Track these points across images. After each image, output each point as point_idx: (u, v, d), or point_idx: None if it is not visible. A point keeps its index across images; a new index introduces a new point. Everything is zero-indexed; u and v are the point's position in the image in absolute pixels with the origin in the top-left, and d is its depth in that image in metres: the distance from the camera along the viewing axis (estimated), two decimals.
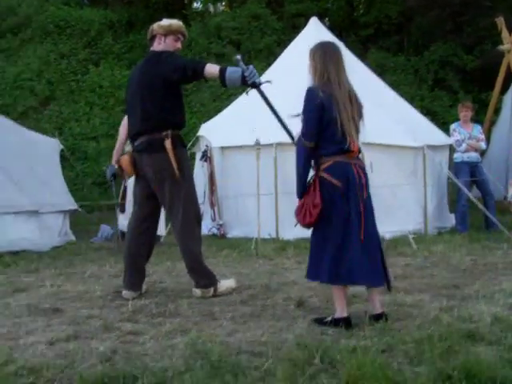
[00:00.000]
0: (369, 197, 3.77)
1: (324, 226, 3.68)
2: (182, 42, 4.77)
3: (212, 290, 4.64)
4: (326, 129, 3.66)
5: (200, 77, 4.41)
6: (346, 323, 3.63)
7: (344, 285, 3.73)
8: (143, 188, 4.73)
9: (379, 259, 3.73)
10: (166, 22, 4.72)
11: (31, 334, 3.74)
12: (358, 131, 3.77)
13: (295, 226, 3.88)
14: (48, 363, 3.10)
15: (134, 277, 4.73)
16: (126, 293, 4.69)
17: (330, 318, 3.72)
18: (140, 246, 4.74)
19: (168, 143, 4.47)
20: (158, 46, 4.68)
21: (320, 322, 3.74)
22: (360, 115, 3.80)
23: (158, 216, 4.94)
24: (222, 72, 4.26)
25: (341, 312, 3.67)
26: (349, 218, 3.62)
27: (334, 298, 3.75)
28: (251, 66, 4.28)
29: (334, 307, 3.75)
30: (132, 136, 4.72)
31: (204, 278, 4.66)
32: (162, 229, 7.36)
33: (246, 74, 4.22)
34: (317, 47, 3.85)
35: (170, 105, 4.56)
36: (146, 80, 4.55)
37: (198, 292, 4.65)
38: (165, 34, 4.65)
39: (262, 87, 4.36)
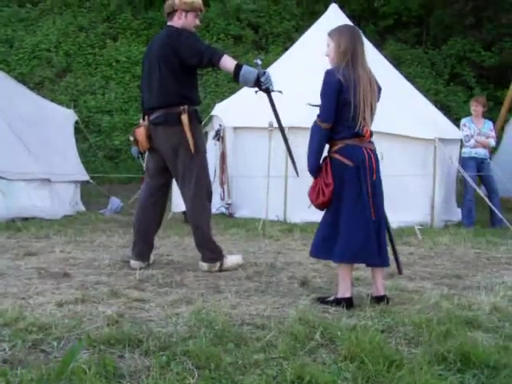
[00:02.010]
0: (379, 180, 3.82)
1: (336, 206, 3.73)
2: (200, 20, 4.82)
3: (218, 264, 4.73)
4: (341, 112, 3.69)
5: (215, 65, 4.49)
6: (348, 303, 3.70)
7: (353, 264, 3.80)
8: (157, 161, 4.80)
9: (385, 241, 3.81)
10: None
11: (41, 295, 3.85)
12: (373, 116, 3.81)
13: (309, 207, 3.92)
14: (57, 322, 3.19)
15: (143, 247, 4.83)
16: (133, 262, 4.79)
17: (332, 298, 3.80)
18: (150, 217, 4.83)
19: (185, 118, 4.54)
20: (178, 21, 4.68)
21: (322, 300, 3.82)
22: (378, 99, 3.84)
23: (169, 189, 5.02)
24: (238, 68, 4.33)
25: (344, 292, 3.75)
26: (360, 197, 3.68)
27: (339, 278, 3.81)
28: (268, 72, 4.40)
29: (337, 288, 3.83)
30: (147, 109, 4.77)
31: (211, 252, 4.75)
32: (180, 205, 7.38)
33: (262, 78, 4.33)
34: (342, 29, 3.85)
35: (186, 81, 4.62)
36: (164, 55, 4.58)
37: (204, 266, 4.74)
38: (187, 11, 4.66)
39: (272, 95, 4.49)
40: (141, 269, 4.66)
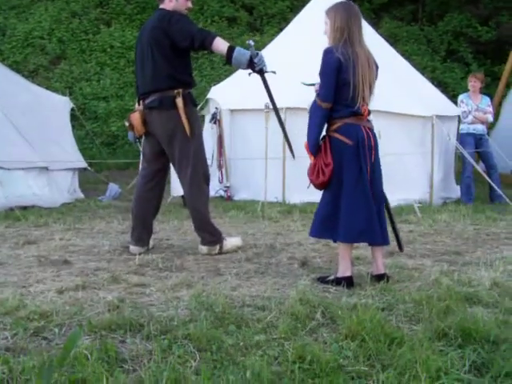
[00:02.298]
0: (377, 159, 3.81)
1: (336, 185, 3.72)
2: (192, 2, 4.78)
3: (218, 247, 4.74)
4: (340, 91, 3.67)
5: (207, 48, 4.43)
6: (348, 282, 3.72)
7: (356, 243, 3.81)
8: (153, 145, 4.79)
9: (385, 220, 3.81)
10: None
11: (41, 282, 3.85)
12: (371, 94, 3.79)
13: (308, 187, 3.92)
14: (58, 309, 3.20)
15: (142, 232, 4.83)
16: (133, 248, 4.79)
17: (332, 277, 3.81)
18: (148, 202, 4.82)
19: (179, 101, 4.51)
20: (169, 3, 4.63)
21: (323, 280, 3.83)
22: (376, 77, 3.81)
23: (167, 173, 5.00)
24: (230, 50, 4.29)
25: (344, 271, 3.75)
26: (360, 176, 3.67)
27: (339, 258, 3.81)
28: (261, 54, 4.35)
29: (337, 267, 3.84)
30: (142, 93, 4.74)
31: (210, 235, 4.75)
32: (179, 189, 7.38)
33: (255, 59, 4.28)
34: (337, 6, 3.79)
35: (180, 64, 4.59)
36: (156, 38, 4.54)
37: (203, 249, 4.75)
38: None
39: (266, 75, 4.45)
40: (140, 254, 4.67)
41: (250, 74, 4.47)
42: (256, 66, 4.31)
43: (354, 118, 3.73)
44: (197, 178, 4.67)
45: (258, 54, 4.32)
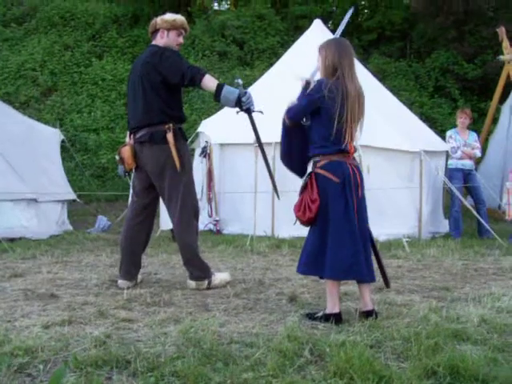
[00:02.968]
0: (363, 196, 3.83)
1: (323, 222, 3.73)
2: (183, 38, 4.84)
3: (206, 282, 4.71)
4: (326, 127, 3.70)
5: (196, 84, 4.48)
6: (337, 319, 3.70)
7: (342, 280, 3.81)
8: (142, 179, 4.79)
9: (371, 256, 3.82)
10: (170, 16, 4.76)
11: (27, 317, 3.81)
12: (360, 131, 3.83)
13: (294, 223, 3.93)
14: (43, 345, 3.17)
15: (130, 266, 4.80)
16: (121, 282, 4.76)
17: (321, 313, 3.79)
18: (137, 235, 4.81)
19: (170, 136, 4.55)
20: (160, 40, 4.72)
21: (311, 316, 3.81)
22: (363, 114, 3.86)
23: (156, 208, 5.00)
24: (219, 88, 4.34)
25: (332, 307, 3.74)
26: (346, 213, 3.68)
27: (327, 294, 3.80)
28: (249, 93, 4.39)
29: (326, 304, 3.83)
30: (133, 127, 4.76)
31: (199, 270, 4.73)
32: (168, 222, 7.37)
33: (243, 98, 4.32)
34: (328, 43, 3.85)
35: (171, 99, 4.63)
36: (147, 73, 4.59)
37: (192, 284, 4.72)
38: (168, 29, 4.70)
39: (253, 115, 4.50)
40: (128, 288, 4.63)
41: (237, 112, 4.50)
42: (244, 105, 4.35)
43: (340, 156, 3.76)
44: (186, 213, 4.67)
45: (246, 92, 4.36)
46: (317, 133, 3.79)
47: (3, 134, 7.86)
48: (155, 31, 4.76)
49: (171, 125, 4.57)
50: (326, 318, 3.72)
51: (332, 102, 3.66)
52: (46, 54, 16.07)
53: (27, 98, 14.93)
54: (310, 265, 3.80)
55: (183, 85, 4.57)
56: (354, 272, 3.71)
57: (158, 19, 4.76)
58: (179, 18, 4.80)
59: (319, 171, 3.76)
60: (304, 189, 3.79)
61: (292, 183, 3.92)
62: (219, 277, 4.82)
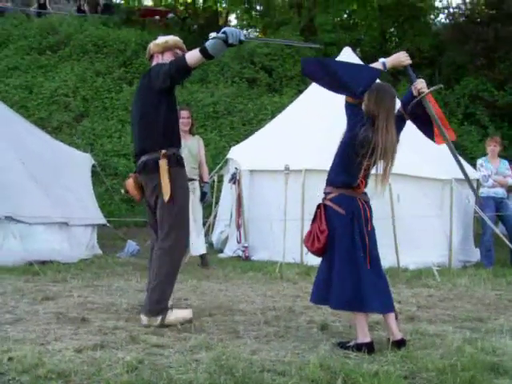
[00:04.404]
0: (373, 229, 3.87)
1: (330, 253, 3.79)
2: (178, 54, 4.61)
3: (159, 319, 4.32)
4: (352, 160, 3.75)
5: (186, 69, 4.23)
6: (369, 348, 3.67)
7: (347, 311, 3.84)
8: (152, 212, 4.61)
9: (386, 288, 3.82)
10: (161, 39, 4.67)
11: (59, 340, 3.84)
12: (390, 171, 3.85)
13: (306, 253, 3.97)
14: (76, 369, 3.19)
15: None
16: None
17: (352, 343, 3.76)
18: None
19: (163, 162, 4.33)
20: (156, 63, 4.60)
21: (343, 345, 3.78)
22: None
23: None
24: (204, 51, 4.12)
25: (363, 337, 3.71)
26: (352, 246, 3.72)
27: (356, 324, 3.79)
28: (228, 29, 4.10)
29: (357, 333, 3.79)
30: (134, 156, 4.63)
31: (157, 304, 4.35)
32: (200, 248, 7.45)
33: (230, 40, 4.04)
34: (373, 88, 3.81)
35: (163, 122, 4.42)
36: (140, 97, 4.53)
37: (144, 319, 4.35)
38: (162, 52, 4.61)
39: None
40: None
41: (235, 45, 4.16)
42: (234, 42, 4.06)
43: (350, 190, 3.81)
44: (175, 242, 4.42)
45: (224, 32, 4.05)
46: (340, 157, 3.84)
47: (36, 158, 8.01)
48: (151, 57, 4.68)
49: (164, 151, 4.37)
50: (358, 347, 3.69)
51: (367, 143, 3.70)
52: (79, 80, 16.38)
53: (59, 123, 15.21)
54: (319, 294, 3.85)
55: (174, 79, 4.31)
56: (355, 304, 3.71)
57: (151, 44, 4.68)
58: (171, 38, 4.69)
59: (328, 203, 3.83)
60: (314, 219, 3.85)
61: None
62: (176, 313, 4.42)
